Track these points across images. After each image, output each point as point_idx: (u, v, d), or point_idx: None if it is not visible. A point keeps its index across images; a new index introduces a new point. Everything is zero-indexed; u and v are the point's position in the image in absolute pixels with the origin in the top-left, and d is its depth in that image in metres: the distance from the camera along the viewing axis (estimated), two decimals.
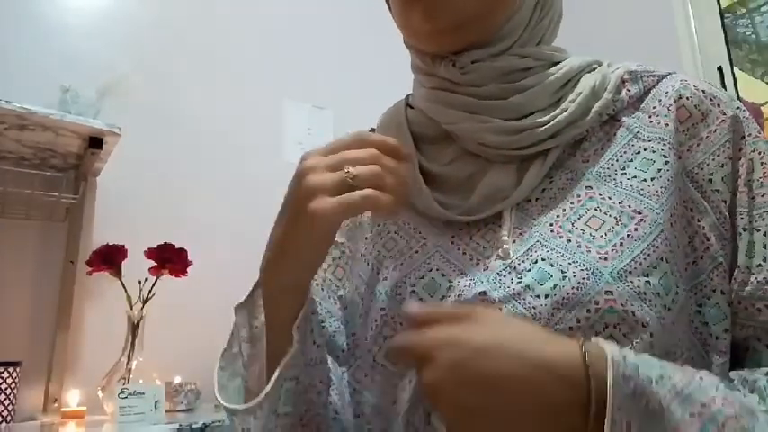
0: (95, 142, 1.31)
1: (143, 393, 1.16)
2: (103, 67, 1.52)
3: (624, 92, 0.53)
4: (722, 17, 1.89)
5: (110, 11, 1.69)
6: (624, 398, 0.33)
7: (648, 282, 0.43)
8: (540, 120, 0.50)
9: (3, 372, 1.16)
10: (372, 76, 2.06)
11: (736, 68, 1.85)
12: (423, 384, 0.36)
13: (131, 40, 1.68)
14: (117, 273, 1.34)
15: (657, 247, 0.44)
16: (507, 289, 0.45)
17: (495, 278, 0.47)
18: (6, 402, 1.16)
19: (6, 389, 1.16)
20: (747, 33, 1.92)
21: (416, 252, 0.52)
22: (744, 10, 1.93)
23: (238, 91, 1.85)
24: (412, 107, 0.60)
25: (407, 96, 0.63)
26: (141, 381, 1.26)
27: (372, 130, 0.64)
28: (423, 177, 0.54)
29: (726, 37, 1.86)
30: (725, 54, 1.85)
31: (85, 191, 1.46)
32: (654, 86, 0.53)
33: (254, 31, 1.94)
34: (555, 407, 0.34)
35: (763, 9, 1.90)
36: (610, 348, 0.35)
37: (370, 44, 2.15)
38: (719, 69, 1.83)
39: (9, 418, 1.16)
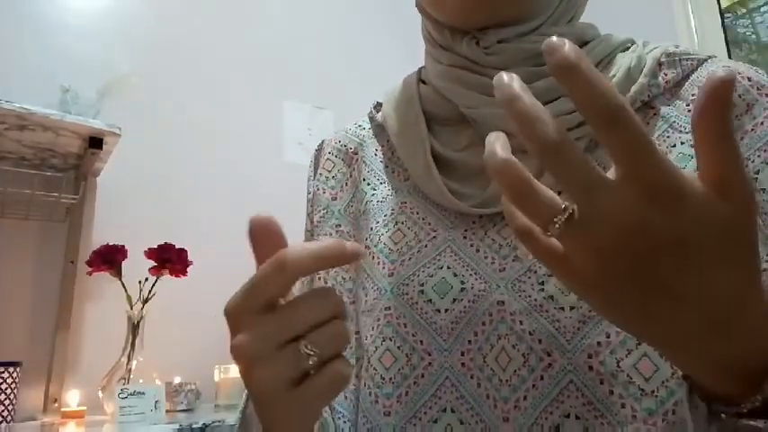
0: (95, 142, 1.31)
1: (143, 393, 1.16)
2: (103, 67, 1.52)
3: (661, 76, 0.47)
4: (722, 17, 1.89)
5: (110, 11, 1.69)
6: None
7: None
8: (567, 107, 0.44)
9: (3, 372, 1.16)
10: (373, 76, 2.06)
11: None
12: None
13: (131, 40, 1.68)
14: (117, 273, 1.34)
15: None
16: (528, 299, 0.42)
17: (514, 285, 0.43)
18: (6, 402, 1.16)
19: (6, 389, 1.16)
20: (747, 33, 1.92)
21: (425, 246, 0.48)
22: (744, 10, 1.93)
23: (238, 91, 1.85)
24: (425, 82, 0.55)
25: (419, 70, 0.57)
26: (141, 381, 1.25)
27: (379, 104, 0.59)
28: (435, 162, 0.49)
29: (726, 37, 1.86)
30: (725, 54, 1.85)
31: (85, 191, 1.46)
32: (693, 71, 0.47)
33: (254, 31, 1.94)
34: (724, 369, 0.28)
35: (763, 9, 1.90)
36: None
37: (371, 44, 2.15)
38: None
39: (9, 418, 1.16)
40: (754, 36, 1.91)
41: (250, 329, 0.30)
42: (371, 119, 0.59)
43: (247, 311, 0.30)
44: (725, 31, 1.87)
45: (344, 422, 0.48)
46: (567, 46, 0.23)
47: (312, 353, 0.29)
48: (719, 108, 0.24)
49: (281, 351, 0.29)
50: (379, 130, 0.58)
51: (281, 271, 0.30)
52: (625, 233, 0.25)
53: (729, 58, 1.84)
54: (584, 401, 0.38)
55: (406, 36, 2.30)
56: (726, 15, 1.90)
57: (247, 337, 0.30)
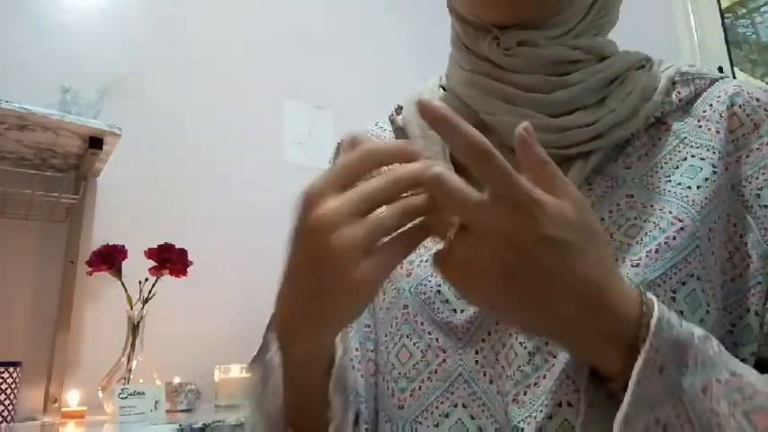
0: (95, 142, 1.31)
1: (143, 393, 1.16)
2: (103, 67, 1.52)
3: (674, 94, 0.49)
4: (722, 17, 1.89)
5: (110, 11, 1.69)
6: (664, 341, 0.33)
7: (674, 298, 0.41)
8: (584, 120, 0.46)
9: (3, 372, 1.16)
10: (373, 76, 2.06)
11: (736, 68, 1.85)
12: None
13: (131, 40, 1.68)
14: (117, 273, 1.34)
15: (690, 262, 0.42)
16: None
17: None
18: (6, 402, 1.16)
19: (6, 389, 1.16)
20: (747, 33, 1.92)
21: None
22: (744, 10, 1.93)
23: (238, 91, 1.85)
24: (445, 89, 0.56)
25: (440, 77, 0.59)
26: (141, 381, 1.25)
27: (400, 108, 0.60)
28: (453, 167, 0.50)
29: (726, 37, 1.86)
30: (725, 54, 1.85)
31: (85, 191, 1.46)
32: (705, 89, 0.50)
33: (255, 31, 1.94)
34: (604, 334, 0.34)
35: (763, 9, 1.90)
36: (657, 302, 0.35)
37: (371, 44, 2.15)
38: (720, 69, 1.83)
39: (9, 418, 1.16)
40: (754, 36, 1.91)
41: (332, 204, 0.33)
42: (392, 121, 0.60)
43: (330, 189, 0.34)
44: (725, 31, 1.87)
45: (365, 406, 0.50)
46: (439, 103, 0.31)
47: (385, 227, 0.33)
48: (530, 147, 0.33)
49: (358, 217, 0.33)
50: (400, 132, 0.59)
51: (367, 156, 0.34)
52: (503, 237, 0.31)
53: (729, 58, 1.84)
54: (574, 389, 0.40)
55: (406, 36, 2.30)
56: (726, 15, 1.90)
57: (329, 209, 0.33)
